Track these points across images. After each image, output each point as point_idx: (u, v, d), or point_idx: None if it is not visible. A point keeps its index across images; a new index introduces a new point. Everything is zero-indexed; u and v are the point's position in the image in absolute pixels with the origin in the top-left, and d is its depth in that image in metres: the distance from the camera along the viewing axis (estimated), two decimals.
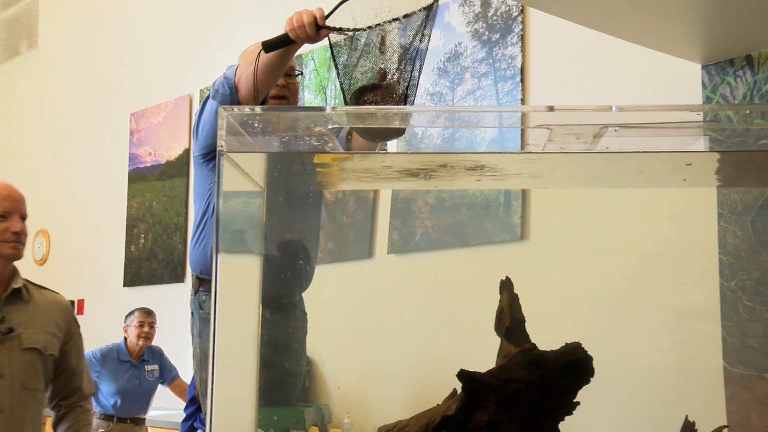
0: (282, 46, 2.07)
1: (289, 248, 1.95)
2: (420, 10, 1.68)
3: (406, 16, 1.68)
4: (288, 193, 1.82)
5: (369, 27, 1.77)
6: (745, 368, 2.07)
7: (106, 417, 4.20)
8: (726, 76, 2.50)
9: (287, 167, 1.62)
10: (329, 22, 1.92)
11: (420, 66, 1.78)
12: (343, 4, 1.87)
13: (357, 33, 1.81)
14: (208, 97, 2.36)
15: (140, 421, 4.24)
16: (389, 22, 1.70)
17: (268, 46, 2.08)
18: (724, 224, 2.06)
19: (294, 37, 2.05)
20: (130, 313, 4.37)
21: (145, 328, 4.29)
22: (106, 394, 4.22)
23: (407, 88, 1.71)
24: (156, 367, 4.34)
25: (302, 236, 1.99)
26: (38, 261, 6.27)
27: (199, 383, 2.38)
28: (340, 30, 1.90)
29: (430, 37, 1.77)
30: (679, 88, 2.66)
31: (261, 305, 1.66)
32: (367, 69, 1.76)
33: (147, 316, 4.32)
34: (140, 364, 4.29)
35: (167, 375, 4.36)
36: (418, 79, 1.79)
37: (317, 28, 2.02)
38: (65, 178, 6.17)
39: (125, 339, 4.33)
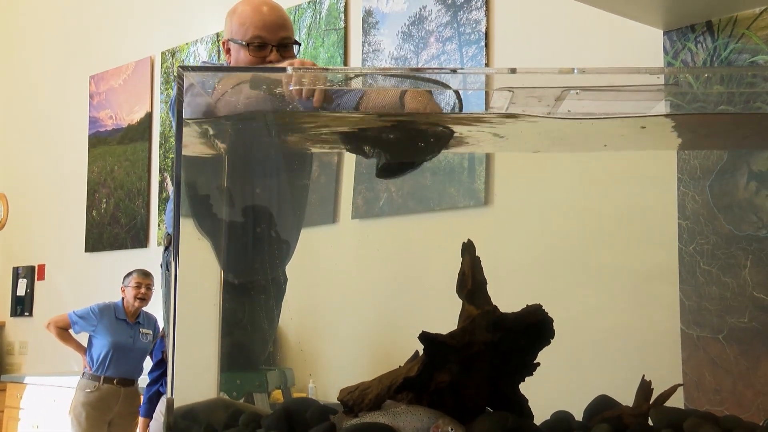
0: None
1: (253, 214, 1.93)
2: None
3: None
4: (253, 156, 1.80)
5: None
6: (700, 330, 2.11)
7: (94, 377, 4.23)
8: (687, 41, 2.52)
9: (252, 129, 1.61)
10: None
11: None
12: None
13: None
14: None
15: (128, 383, 4.27)
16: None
17: None
18: (684, 189, 2.09)
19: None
20: (129, 274, 4.41)
21: (142, 289, 4.34)
22: (98, 346, 4.28)
23: None
24: (150, 332, 4.41)
25: (268, 202, 1.97)
26: None
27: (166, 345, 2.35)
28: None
29: None
30: (641, 54, 2.67)
31: (223, 273, 1.65)
32: None
33: (144, 278, 4.36)
34: (136, 325, 4.37)
35: (155, 342, 4.41)
36: None
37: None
38: (24, 142, 6.04)
39: (123, 299, 4.38)
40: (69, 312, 4.41)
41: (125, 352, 4.28)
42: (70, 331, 4.43)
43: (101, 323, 4.30)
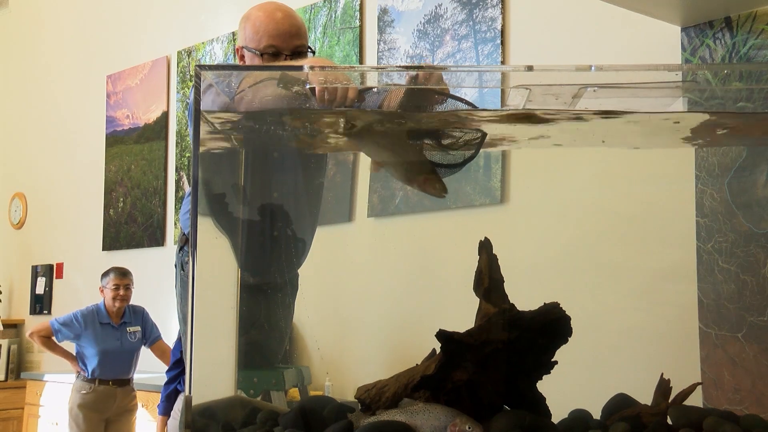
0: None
1: (270, 213, 1.93)
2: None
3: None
4: (270, 154, 1.80)
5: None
6: (719, 329, 2.10)
7: (89, 380, 4.21)
8: (705, 38, 2.50)
9: (270, 126, 1.61)
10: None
11: None
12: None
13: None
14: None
15: (123, 383, 4.24)
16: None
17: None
18: (702, 186, 2.08)
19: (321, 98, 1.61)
20: (105, 274, 4.34)
21: (121, 291, 4.28)
22: (88, 355, 4.24)
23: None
24: (138, 328, 4.34)
25: (285, 201, 1.97)
26: (15, 225, 6.22)
27: (183, 344, 2.35)
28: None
29: None
30: (659, 51, 2.65)
31: (240, 272, 1.66)
32: None
33: (122, 278, 4.29)
34: (121, 327, 4.30)
35: (149, 336, 4.36)
36: None
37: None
38: (42, 141, 6.09)
39: (103, 301, 4.32)
40: (51, 320, 4.33)
41: (114, 356, 4.22)
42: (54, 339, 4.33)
43: (86, 332, 4.23)
